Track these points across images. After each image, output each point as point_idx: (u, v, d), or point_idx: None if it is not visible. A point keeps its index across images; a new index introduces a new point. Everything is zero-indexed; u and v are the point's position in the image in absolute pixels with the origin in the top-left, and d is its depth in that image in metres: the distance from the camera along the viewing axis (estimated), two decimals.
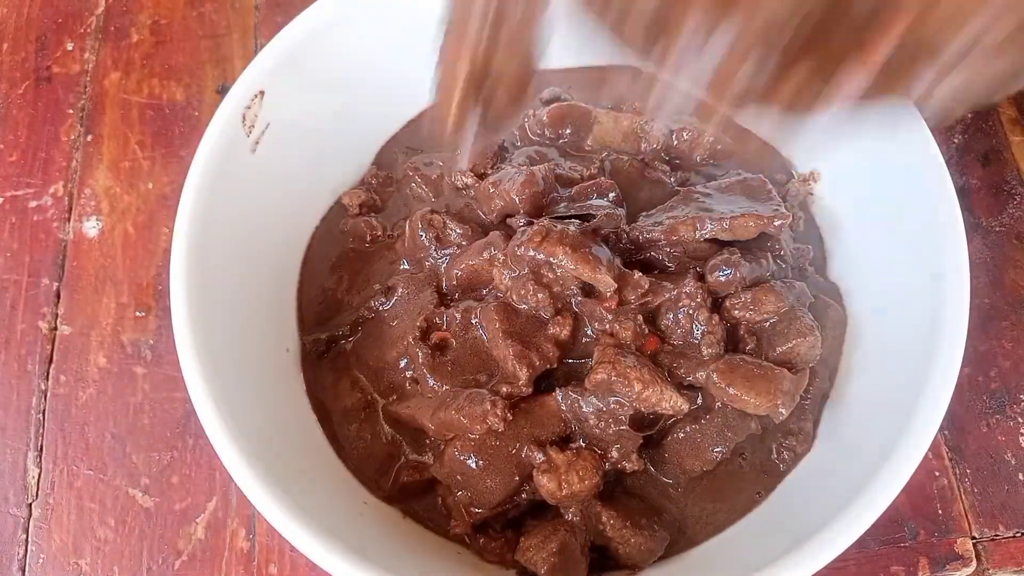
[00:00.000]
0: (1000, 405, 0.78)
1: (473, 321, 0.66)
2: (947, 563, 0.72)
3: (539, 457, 0.63)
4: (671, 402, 0.61)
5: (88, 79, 0.92)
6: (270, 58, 0.72)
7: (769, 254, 0.70)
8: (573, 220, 0.67)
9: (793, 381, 0.64)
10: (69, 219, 0.86)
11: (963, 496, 0.74)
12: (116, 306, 0.82)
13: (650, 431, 0.66)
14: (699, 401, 0.66)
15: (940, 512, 0.74)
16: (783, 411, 0.63)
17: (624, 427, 0.64)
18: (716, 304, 0.67)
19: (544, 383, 0.66)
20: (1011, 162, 0.88)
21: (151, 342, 0.80)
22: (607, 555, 0.65)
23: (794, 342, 0.65)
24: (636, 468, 0.65)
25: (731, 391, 0.62)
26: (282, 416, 0.68)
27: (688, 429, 0.65)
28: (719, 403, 0.65)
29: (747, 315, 0.66)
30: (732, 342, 0.67)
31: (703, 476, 0.67)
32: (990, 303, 0.81)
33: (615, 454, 0.65)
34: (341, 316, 0.74)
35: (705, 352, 0.64)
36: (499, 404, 0.62)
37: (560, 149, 0.77)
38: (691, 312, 0.64)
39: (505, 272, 0.64)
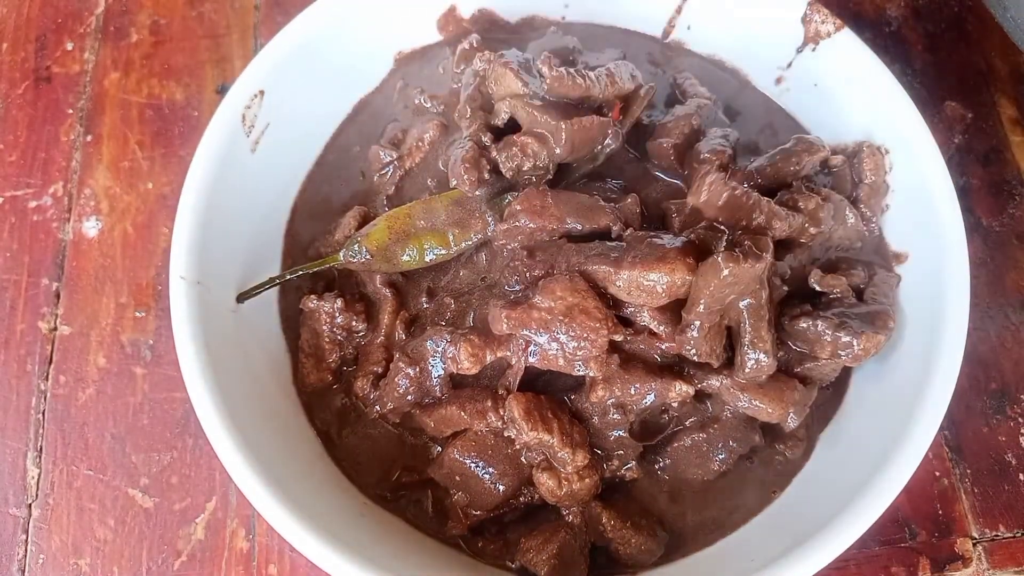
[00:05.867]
0: (1000, 405, 0.78)
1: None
2: (947, 563, 0.72)
3: (539, 456, 0.63)
4: (677, 390, 0.62)
5: (88, 79, 0.92)
6: (270, 58, 0.72)
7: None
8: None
9: (803, 392, 0.64)
10: (69, 219, 0.85)
11: (963, 496, 0.74)
12: (116, 306, 0.81)
13: (651, 441, 0.66)
14: (709, 412, 0.66)
15: (940, 512, 0.74)
16: (793, 420, 0.63)
17: (624, 435, 0.64)
18: None
19: (540, 381, 0.66)
20: (1012, 162, 0.87)
21: (151, 342, 0.80)
22: (608, 556, 0.65)
23: (824, 361, 0.65)
24: (636, 477, 0.66)
25: (743, 397, 0.63)
26: (282, 418, 0.68)
27: (695, 437, 0.66)
28: (727, 412, 0.65)
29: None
30: None
31: (704, 484, 0.67)
32: (990, 303, 0.81)
33: (616, 462, 0.65)
34: None
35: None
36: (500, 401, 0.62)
37: None
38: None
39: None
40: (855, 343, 0.62)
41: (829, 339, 0.63)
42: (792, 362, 0.66)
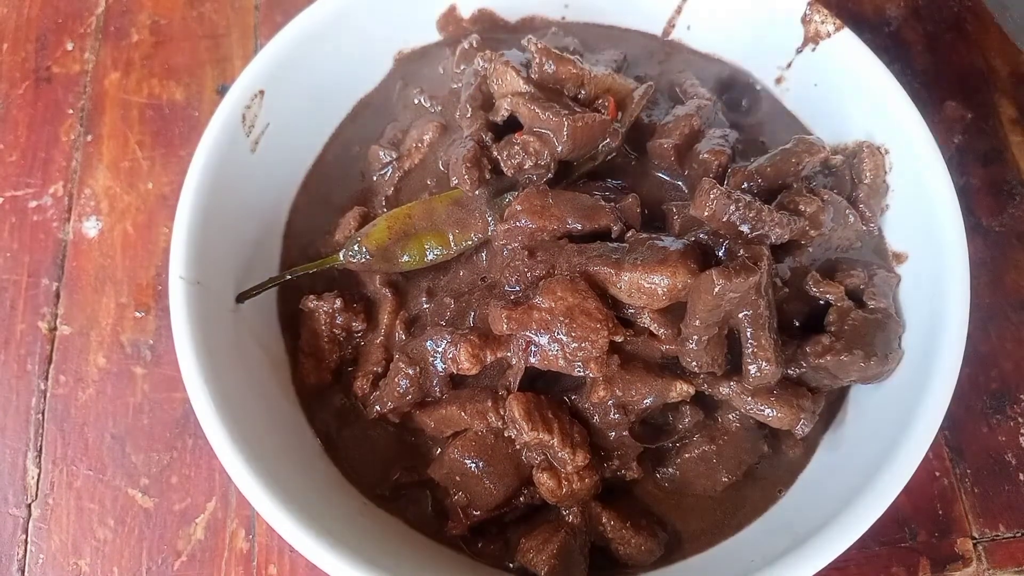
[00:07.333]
0: (1000, 405, 0.78)
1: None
2: (948, 563, 0.72)
3: (539, 456, 0.63)
4: (678, 389, 0.62)
5: (88, 79, 0.92)
6: (270, 58, 0.72)
7: None
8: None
9: (812, 400, 0.64)
10: (69, 219, 0.85)
11: (964, 496, 0.74)
12: (116, 306, 0.81)
13: (651, 443, 0.66)
14: (719, 424, 0.66)
15: (941, 513, 0.74)
16: (804, 427, 0.63)
17: (625, 435, 0.64)
18: None
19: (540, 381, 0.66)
20: (1011, 162, 0.87)
21: (150, 342, 0.80)
22: (608, 556, 0.65)
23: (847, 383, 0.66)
24: (636, 476, 0.65)
25: (752, 403, 0.63)
26: (281, 418, 0.68)
27: (705, 448, 0.66)
28: (735, 424, 0.65)
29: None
30: None
31: (710, 496, 0.67)
32: (990, 303, 0.81)
33: (616, 462, 0.65)
34: None
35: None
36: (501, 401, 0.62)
37: None
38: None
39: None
40: (883, 369, 0.63)
41: (857, 370, 0.63)
42: (805, 377, 0.65)
